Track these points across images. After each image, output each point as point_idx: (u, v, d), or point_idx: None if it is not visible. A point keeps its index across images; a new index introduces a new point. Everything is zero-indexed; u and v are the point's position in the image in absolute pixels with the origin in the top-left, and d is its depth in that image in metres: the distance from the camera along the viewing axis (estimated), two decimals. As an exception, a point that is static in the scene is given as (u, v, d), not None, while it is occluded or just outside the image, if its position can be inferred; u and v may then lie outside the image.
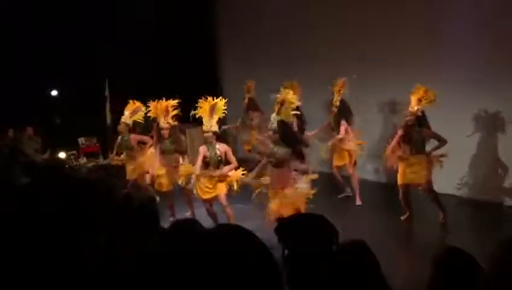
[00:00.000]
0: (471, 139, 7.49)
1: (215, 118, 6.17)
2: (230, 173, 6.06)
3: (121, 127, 7.46)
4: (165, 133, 6.82)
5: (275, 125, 5.38)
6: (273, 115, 5.46)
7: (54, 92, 11.12)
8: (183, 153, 6.99)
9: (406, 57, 8.06)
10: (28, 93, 10.02)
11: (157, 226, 3.36)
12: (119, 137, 7.54)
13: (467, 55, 7.39)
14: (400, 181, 6.39)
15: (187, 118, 10.37)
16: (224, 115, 6.36)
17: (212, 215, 6.28)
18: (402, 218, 6.59)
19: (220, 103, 6.22)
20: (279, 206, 5.26)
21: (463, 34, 7.45)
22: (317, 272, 1.94)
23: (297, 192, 5.37)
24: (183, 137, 7.27)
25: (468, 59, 7.36)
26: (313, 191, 5.54)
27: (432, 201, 6.45)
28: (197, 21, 11.47)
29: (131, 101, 7.59)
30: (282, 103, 5.44)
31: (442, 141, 6.29)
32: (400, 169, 6.38)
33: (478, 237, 5.84)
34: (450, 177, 7.41)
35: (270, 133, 5.42)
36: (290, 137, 5.44)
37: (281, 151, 5.33)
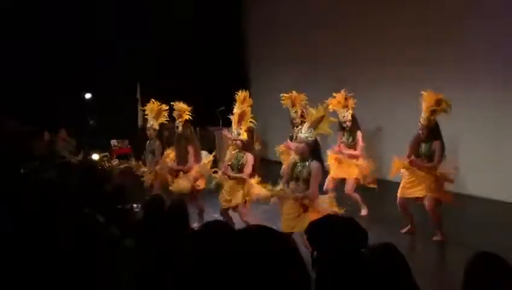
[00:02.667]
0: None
1: (244, 126, 6.18)
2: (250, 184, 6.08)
3: (149, 133, 7.48)
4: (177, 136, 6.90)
5: (311, 138, 5.13)
6: (307, 128, 5.20)
7: (88, 95, 11.37)
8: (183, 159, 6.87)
9: (430, 57, 7.97)
10: (62, 96, 10.27)
11: (187, 227, 3.42)
12: (147, 141, 7.59)
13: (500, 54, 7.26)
14: (398, 194, 6.15)
15: (217, 120, 10.47)
16: (252, 124, 6.36)
17: (228, 218, 6.24)
18: (402, 231, 6.30)
19: (247, 111, 6.21)
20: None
21: (494, 33, 7.32)
22: (347, 274, 1.94)
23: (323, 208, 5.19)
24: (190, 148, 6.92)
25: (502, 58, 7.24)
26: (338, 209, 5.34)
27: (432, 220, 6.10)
28: (225, 23, 11.57)
29: (151, 102, 7.49)
30: (321, 119, 5.31)
31: (435, 161, 5.91)
32: (402, 181, 6.16)
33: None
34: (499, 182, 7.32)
35: (302, 145, 5.16)
36: (319, 152, 5.29)
37: (314, 165, 5.11)
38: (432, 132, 5.94)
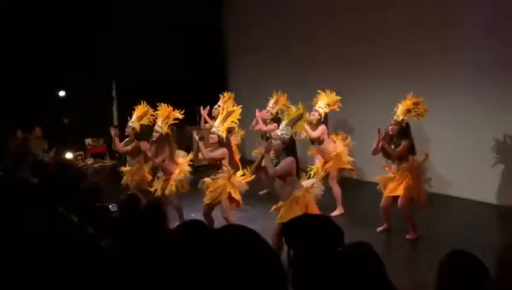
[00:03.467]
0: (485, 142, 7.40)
1: (226, 124, 6.18)
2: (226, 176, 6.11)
3: (127, 131, 7.40)
4: (155, 136, 6.82)
5: (287, 136, 5.21)
6: (284, 126, 5.28)
7: (62, 93, 11.18)
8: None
9: (411, 58, 8.07)
10: (36, 94, 10.09)
11: (164, 227, 3.39)
12: (125, 140, 7.51)
13: (477, 55, 7.35)
14: (385, 194, 6.23)
15: (194, 120, 10.43)
16: (235, 125, 6.35)
17: (210, 220, 6.27)
18: (378, 230, 6.39)
19: (237, 112, 6.22)
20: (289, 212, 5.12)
21: (471, 36, 7.43)
22: (323, 272, 1.96)
23: (308, 190, 5.27)
24: (167, 148, 6.83)
25: (478, 60, 7.34)
26: (321, 190, 5.45)
27: (405, 219, 6.18)
28: (205, 21, 11.54)
29: (141, 104, 7.46)
30: (300, 117, 5.35)
31: (392, 157, 6.07)
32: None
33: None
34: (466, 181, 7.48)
35: (277, 142, 5.23)
36: (294, 149, 5.37)
37: (287, 159, 5.14)
38: (402, 130, 6.07)
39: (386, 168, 6.32)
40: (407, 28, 8.17)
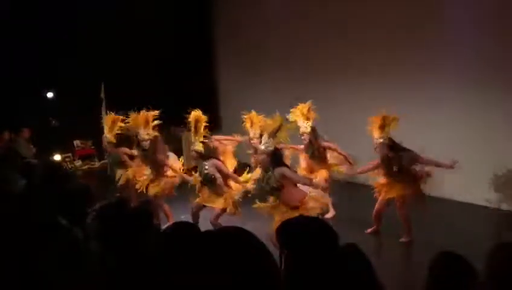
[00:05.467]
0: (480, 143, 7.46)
1: (200, 137, 6.20)
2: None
3: (108, 147, 7.40)
4: (146, 144, 6.82)
5: (270, 148, 5.23)
6: (266, 139, 5.32)
7: (50, 94, 11.08)
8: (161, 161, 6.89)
9: (406, 58, 8.09)
10: (24, 95, 9.99)
11: (151, 228, 3.37)
12: (107, 154, 7.57)
13: (471, 56, 7.40)
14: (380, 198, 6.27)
15: (183, 122, 10.39)
16: (206, 137, 6.34)
17: (196, 219, 6.28)
18: (367, 231, 6.47)
19: (202, 120, 6.26)
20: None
21: (466, 34, 7.45)
22: (315, 274, 1.96)
23: (314, 198, 5.28)
24: (166, 147, 7.10)
25: (472, 60, 7.38)
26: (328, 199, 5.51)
27: (402, 220, 6.23)
28: (195, 24, 11.51)
29: (108, 115, 7.41)
30: (279, 127, 5.37)
31: (420, 160, 6.05)
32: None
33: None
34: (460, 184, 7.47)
35: (263, 156, 5.27)
36: (281, 159, 5.41)
37: (277, 173, 5.21)
38: (391, 147, 6.02)
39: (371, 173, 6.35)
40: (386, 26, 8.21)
